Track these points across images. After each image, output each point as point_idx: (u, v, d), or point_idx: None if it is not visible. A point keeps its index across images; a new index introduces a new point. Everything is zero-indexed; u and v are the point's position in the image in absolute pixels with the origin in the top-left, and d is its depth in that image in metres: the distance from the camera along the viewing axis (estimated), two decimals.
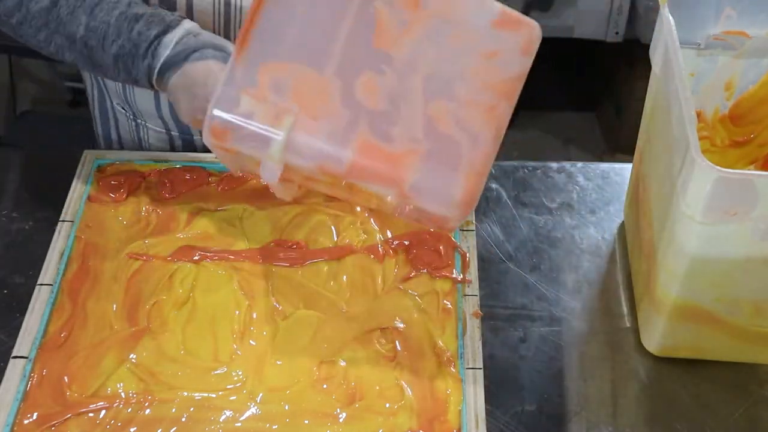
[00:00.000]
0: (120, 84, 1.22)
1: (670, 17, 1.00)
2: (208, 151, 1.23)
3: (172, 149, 1.27)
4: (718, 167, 0.84)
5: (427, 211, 0.87)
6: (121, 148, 1.32)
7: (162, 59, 1.01)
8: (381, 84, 0.85)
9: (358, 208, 1.13)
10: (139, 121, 1.26)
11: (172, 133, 1.25)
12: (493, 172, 1.26)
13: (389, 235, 1.11)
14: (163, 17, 1.02)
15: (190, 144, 1.26)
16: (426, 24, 0.86)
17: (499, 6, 0.87)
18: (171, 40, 1.01)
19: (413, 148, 0.84)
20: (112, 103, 1.28)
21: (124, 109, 1.26)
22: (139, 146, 1.30)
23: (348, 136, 0.84)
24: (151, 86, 1.04)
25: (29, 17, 1.04)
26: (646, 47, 1.06)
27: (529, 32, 0.86)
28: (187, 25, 1.03)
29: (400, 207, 0.88)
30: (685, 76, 0.93)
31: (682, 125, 0.89)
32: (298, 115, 0.84)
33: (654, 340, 1.05)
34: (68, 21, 1.03)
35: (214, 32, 1.12)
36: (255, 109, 0.84)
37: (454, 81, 0.86)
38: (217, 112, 0.84)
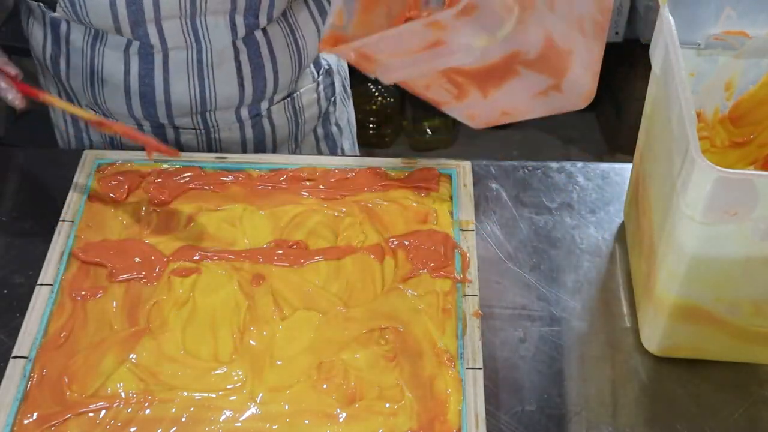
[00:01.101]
0: (88, 86, 1.23)
1: (670, 17, 1.00)
2: (181, 142, 1.24)
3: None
4: (718, 167, 0.84)
5: (561, 99, 0.98)
6: (92, 148, 1.33)
7: None
8: None
9: (358, 208, 1.13)
10: (105, 114, 1.27)
11: (144, 129, 1.26)
12: (493, 171, 1.26)
13: (389, 235, 1.11)
14: None
15: (162, 136, 1.27)
16: None
17: None
18: None
19: (571, 48, 0.94)
20: (81, 105, 1.28)
21: (93, 110, 1.27)
22: (111, 146, 1.32)
23: (538, 29, 0.91)
24: None
25: None
26: (646, 47, 1.06)
27: None
28: None
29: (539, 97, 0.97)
30: (685, 76, 0.93)
31: (682, 125, 0.89)
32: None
33: (654, 340, 1.05)
34: None
35: (181, 12, 1.14)
36: None
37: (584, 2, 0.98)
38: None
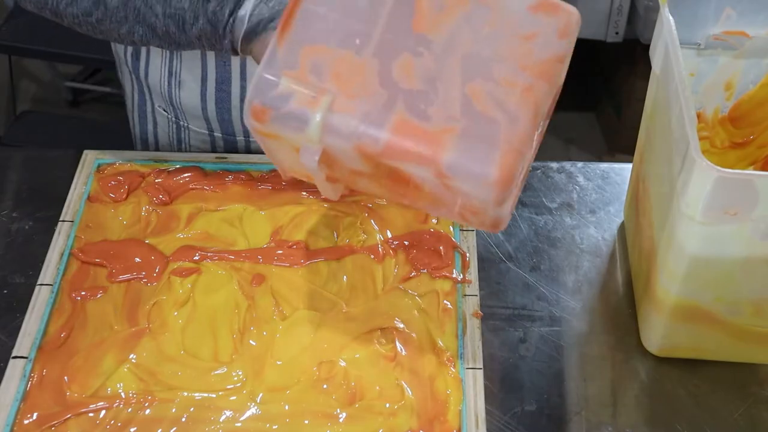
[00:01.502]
0: (165, 86, 1.23)
1: (670, 17, 1.00)
2: (251, 152, 1.24)
3: (214, 151, 1.28)
4: (718, 167, 0.84)
5: (467, 196, 0.86)
6: (158, 149, 1.33)
7: (241, 35, 1.00)
8: (418, 65, 0.86)
9: (358, 208, 1.13)
10: (181, 122, 1.26)
11: (215, 134, 1.26)
12: None
13: (389, 235, 1.11)
14: None
15: (232, 145, 1.26)
16: (464, 8, 0.87)
17: None
18: (245, 15, 1.00)
19: (450, 126, 0.84)
20: (153, 105, 1.28)
21: (166, 111, 1.27)
22: (178, 148, 1.31)
23: (385, 116, 0.84)
24: (238, 55, 1.04)
25: (108, 14, 1.04)
26: (646, 47, 1.06)
27: (567, 16, 0.87)
28: None
29: (449, 203, 0.88)
30: (685, 76, 0.93)
31: (682, 125, 0.89)
32: (336, 96, 0.84)
33: (654, 340, 1.05)
34: (146, 12, 1.03)
35: None
36: (294, 90, 0.84)
37: (491, 62, 0.86)
38: (255, 94, 0.85)
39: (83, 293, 1.04)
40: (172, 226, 1.11)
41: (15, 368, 0.97)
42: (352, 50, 0.86)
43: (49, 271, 1.06)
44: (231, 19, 1.00)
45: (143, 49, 1.23)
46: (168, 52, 1.20)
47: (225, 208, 1.14)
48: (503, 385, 1.03)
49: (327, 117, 0.84)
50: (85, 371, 0.97)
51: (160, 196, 1.14)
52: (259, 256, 1.08)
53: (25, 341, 0.99)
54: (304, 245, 1.10)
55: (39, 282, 1.05)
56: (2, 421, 0.93)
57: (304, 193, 1.15)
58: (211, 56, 1.19)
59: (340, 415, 0.95)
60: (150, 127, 1.31)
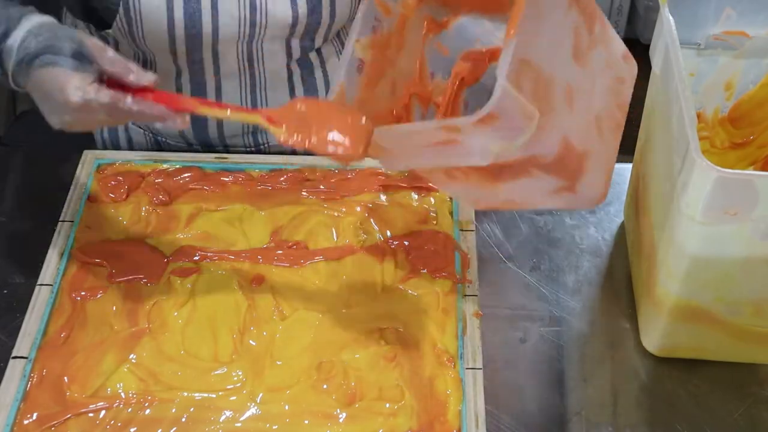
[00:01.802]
0: None
1: (670, 17, 1.00)
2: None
3: None
4: (718, 167, 0.84)
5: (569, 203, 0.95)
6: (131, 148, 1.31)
7: (11, 69, 0.93)
8: (574, 91, 0.90)
9: (358, 208, 1.13)
10: (159, 137, 1.26)
11: (194, 146, 1.25)
12: None
13: (389, 235, 1.11)
14: (8, 15, 0.93)
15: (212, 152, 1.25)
16: (595, 48, 0.92)
17: (622, 43, 0.97)
18: (13, 44, 0.92)
19: (588, 150, 0.90)
20: (126, 123, 1.27)
21: (141, 127, 1.26)
22: (157, 146, 1.29)
23: (556, 135, 0.87)
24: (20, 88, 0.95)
25: None
26: (646, 47, 1.06)
27: (635, 67, 0.97)
28: (29, 22, 0.92)
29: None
30: (685, 76, 0.93)
31: (682, 125, 0.89)
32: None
33: (654, 340, 1.05)
34: None
35: (239, 36, 1.12)
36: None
37: (604, 98, 0.94)
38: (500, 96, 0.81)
39: (83, 293, 1.04)
40: (172, 226, 1.11)
41: (15, 368, 0.97)
42: (545, 69, 0.86)
43: (49, 271, 1.06)
44: (0, 49, 0.92)
45: None
46: None
47: (225, 208, 1.14)
48: (503, 385, 1.03)
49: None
50: (85, 371, 0.97)
51: (160, 196, 1.14)
52: (259, 256, 1.08)
53: (25, 341, 0.99)
54: (304, 245, 1.10)
55: (39, 282, 1.05)
56: (2, 421, 0.93)
57: (304, 193, 1.15)
58: (185, 75, 1.17)
59: (340, 415, 0.95)
60: (123, 143, 1.29)
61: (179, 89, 1.17)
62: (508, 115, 0.79)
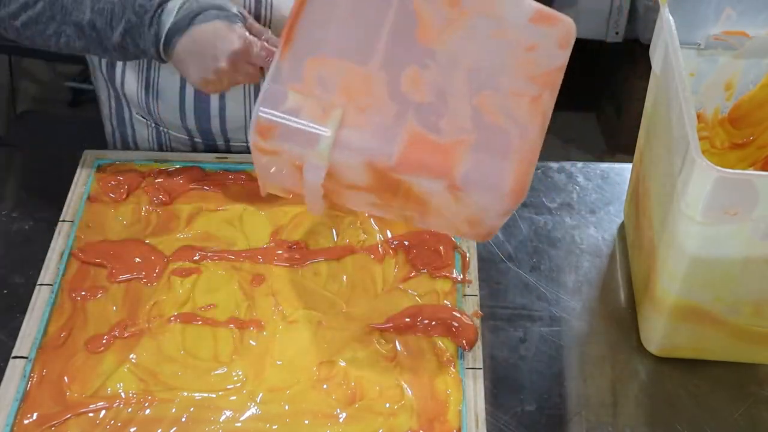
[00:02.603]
0: (142, 96, 1.21)
1: (670, 17, 1.00)
2: (232, 153, 1.24)
3: (194, 152, 1.27)
4: (718, 167, 0.84)
5: (476, 207, 0.86)
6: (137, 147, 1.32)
7: (168, 26, 1.03)
8: (426, 77, 0.85)
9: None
10: (161, 129, 1.26)
11: (196, 140, 1.25)
12: None
13: (389, 235, 1.11)
14: None
15: (213, 148, 1.25)
16: (466, 20, 0.87)
17: (535, 4, 0.89)
18: (174, 6, 1.04)
19: (462, 139, 0.84)
20: (131, 113, 1.27)
21: (144, 118, 1.26)
22: (159, 150, 1.29)
23: (396, 129, 0.83)
24: (159, 56, 1.06)
25: (34, 15, 1.05)
26: (646, 47, 1.06)
27: (565, 27, 0.89)
28: None
29: (452, 216, 0.87)
30: (685, 76, 0.93)
31: (682, 125, 0.89)
32: (346, 110, 0.83)
33: (654, 340, 1.05)
34: (74, 8, 1.05)
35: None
36: (302, 104, 0.83)
37: (497, 73, 0.87)
38: (264, 109, 0.83)
39: (83, 293, 1.04)
40: (172, 226, 1.11)
41: (15, 368, 0.97)
42: (358, 62, 0.85)
43: (49, 271, 1.06)
44: (159, 10, 1.03)
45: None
46: (145, 62, 1.19)
47: (225, 208, 1.14)
48: (503, 385, 1.03)
49: (338, 132, 0.83)
50: (85, 371, 0.97)
51: (160, 196, 1.14)
52: (259, 256, 1.08)
53: (25, 341, 0.99)
54: (304, 245, 1.10)
55: (39, 282, 1.05)
56: (2, 421, 0.93)
57: None
58: None
59: (340, 415, 0.95)
60: (129, 131, 1.29)
61: (182, 82, 1.18)
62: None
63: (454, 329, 1.01)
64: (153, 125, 1.26)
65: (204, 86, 1.08)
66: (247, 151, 1.24)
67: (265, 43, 1.06)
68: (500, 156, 0.84)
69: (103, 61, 1.22)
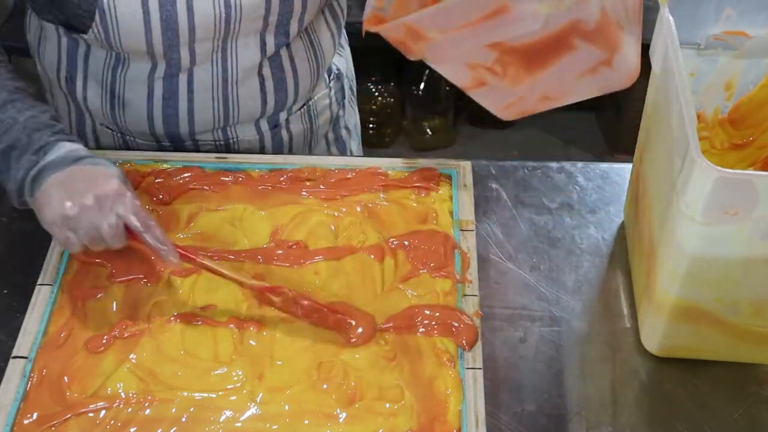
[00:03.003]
0: (107, 108, 1.21)
1: (671, 17, 1.00)
2: (200, 152, 1.24)
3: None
4: (718, 167, 0.84)
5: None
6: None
7: (52, 158, 0.99)
8: None
9: (358, 208, 1.13)
10: (127, 137, 1.26)
11: (163, 143, 1.25)
12: (493, 171, 1.26)
13: (389, 235, 1.11)
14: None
15: (181, 150, 1.25)
16: None
17: None
18: (73, 146, 1.01)
19: (621, 22, 0.92)
20: (94, 124, 1.27)
21: (110, 128, 1.26)
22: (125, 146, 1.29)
23: None
24: (21, 184, 1.00)
25: None
26: (646, 47, 1.06)
27: None
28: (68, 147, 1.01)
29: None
30: (686, 77, 0.93)
31: (682, 125, 0.89)
32: None
33: (654, 340, 1.05)
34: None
35: (215, 34, 1.12)
36: None
37: None
38: None
39: (83, 293, 1.04)
40: (172, 226, 1.11)
41: (15, 368, 0.97)
42: None
43: (49, 271, 1.06)
44: (55, 140, 1.00)
45: (79, 73, 1.20)
46: (109, 75, 1.18)
47: (225, 208, 1.14)
48: (503, 385, 1.03)
49: None
50: (85, 371, 0.97)
51: (160, 196, 1.14)
52: (259, 256, 1.08)
53: (25, 341, 0.99)
54: (304, 245, 1.10)
55: (39, 282, 1.05)
56: (2, 421, 0.93)
57: (304, 193, 1.15)
58: (159, 72, 1.16)
59: (340, 415, 0.95)
60: (92, 143, 1.29)
61: (151, 85, 1.17)
62: None
63: (454, 329, 1.01)
64: (119, 134, 1.26)
65: (60, 226, 0.97)
66: (216, 150, 1.25)
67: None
68: (634, 44, 0.96)
69: (62, 75, 1.21)
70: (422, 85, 2.62)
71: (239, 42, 1.15)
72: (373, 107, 2.65)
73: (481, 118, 2.87)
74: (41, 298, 1.03)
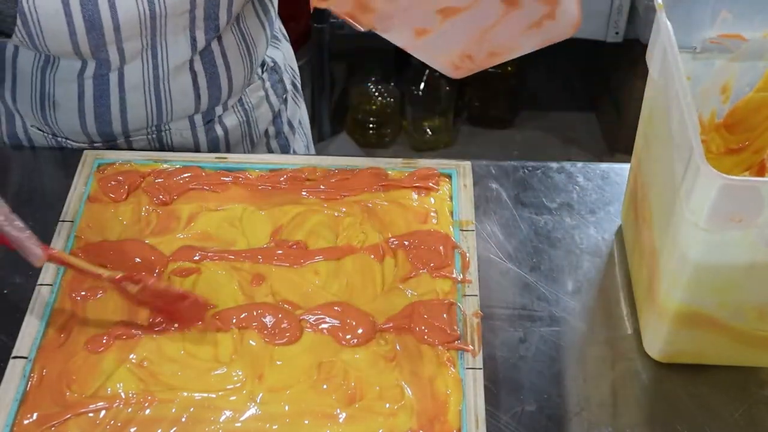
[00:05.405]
0: (38, 109, 1.21)
1: (668, 22, 0.99)
2: (134, 149, 1.23)
3: None
4: (723, 174, 0.83)
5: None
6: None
7: None
8: None
9: (358, 209, 1.13)
10: (59, 137, 1.26)
11: (96, 144, 1.25)
12: (493, 171, 1.26)
13: (389, 235, 1.11)
14: None
15: (113, 147, 1.26)
16: None
17: None
18: None
19: None
20: (25, 125, 1.27)
21: (41, 129, 1.26)
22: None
23: None
24: None
25: None
26: (646, 47, 1.06)
27: None
28: None
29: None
30: (686, 82, 0.93)
31: (685, 131, 0.88)
32: None
33: (656, 346, 1.04)
34: None
35: (141, 31, 1.11)
36: None
37: None
38: None
39: (83, 293, 1.04)
40: (172, 226, 1.11)
41: (15, 368, 0.97)
42: None
43: (49, 271, 1.06)
44: None
45: (8, 74, 1.19)
46: (38, 75, 1.17)
47: (225, 208, 1.14)
48: (503, 385, 1.03)
49: None
50: (85, 371, 0.97)
51: (160, 196, 1.14)
52: (259, 256, 1.08)
53: (25, 341, 0.99)
54: (304, 245, 1.10)
55: (39, 282, 1.05)
56: (2, 421, 0.93)
57: (304, 193, 1.15)
58: (89, 71, 1.16)
59: (340, 415, 0.95)
60: (25, 145, 1.29)
61: (81, 84, 1.17)
62: None
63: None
64: (50, 135, 1.25)
65: None
66: (149, 147, 1.25)
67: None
68: None
69: None
70: (422, 85, 2.62)
71: (168, 39, 1.15)
72: (373, 107, 2.65)
73: (481, 118, 2.88)
74: (41, 298, 1.03)
